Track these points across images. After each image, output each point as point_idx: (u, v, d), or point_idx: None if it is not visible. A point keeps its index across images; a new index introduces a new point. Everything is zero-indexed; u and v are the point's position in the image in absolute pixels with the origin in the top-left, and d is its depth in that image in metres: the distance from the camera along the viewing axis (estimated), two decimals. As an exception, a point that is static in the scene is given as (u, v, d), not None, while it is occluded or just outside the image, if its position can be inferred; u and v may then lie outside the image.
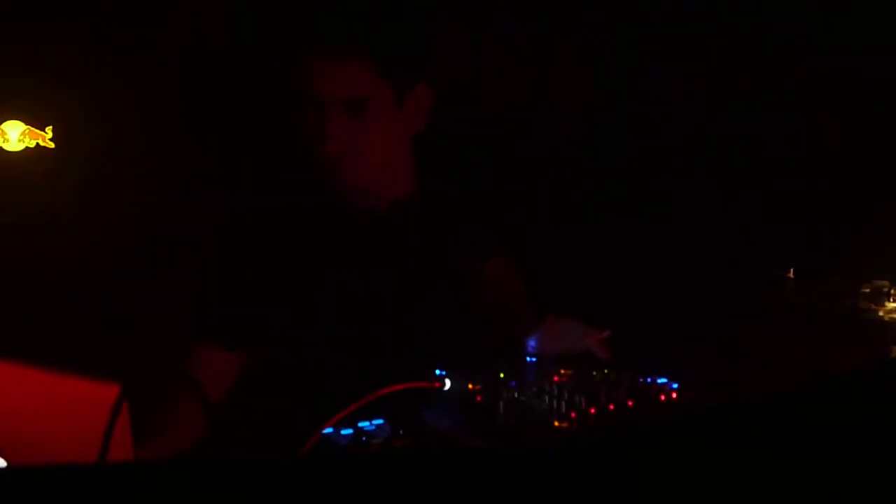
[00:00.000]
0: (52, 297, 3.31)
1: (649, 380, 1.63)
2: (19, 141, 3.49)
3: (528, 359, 1.72)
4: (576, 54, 3.72)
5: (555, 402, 1.53)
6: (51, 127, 3.51)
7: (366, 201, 1.99)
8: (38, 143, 3.50)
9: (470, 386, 1.58)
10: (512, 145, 3.53)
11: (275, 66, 2.04)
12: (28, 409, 1.21)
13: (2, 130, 3.49)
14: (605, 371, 1.67)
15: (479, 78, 3.57)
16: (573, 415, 1.49)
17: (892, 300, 2.28)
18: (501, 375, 1.61)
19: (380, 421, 1.58)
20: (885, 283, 2.31)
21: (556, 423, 1.47)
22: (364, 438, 1.54)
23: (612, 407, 1.51)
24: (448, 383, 1.56)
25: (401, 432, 1.56)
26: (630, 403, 1.53)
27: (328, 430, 1.52)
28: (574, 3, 3.70)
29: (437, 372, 1.61)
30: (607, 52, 3.71)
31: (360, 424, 1.56)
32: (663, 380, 1.63)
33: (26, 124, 3.50)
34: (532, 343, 1.76)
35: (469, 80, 3.50)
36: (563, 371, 1.64)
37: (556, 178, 3.51)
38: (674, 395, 1.56)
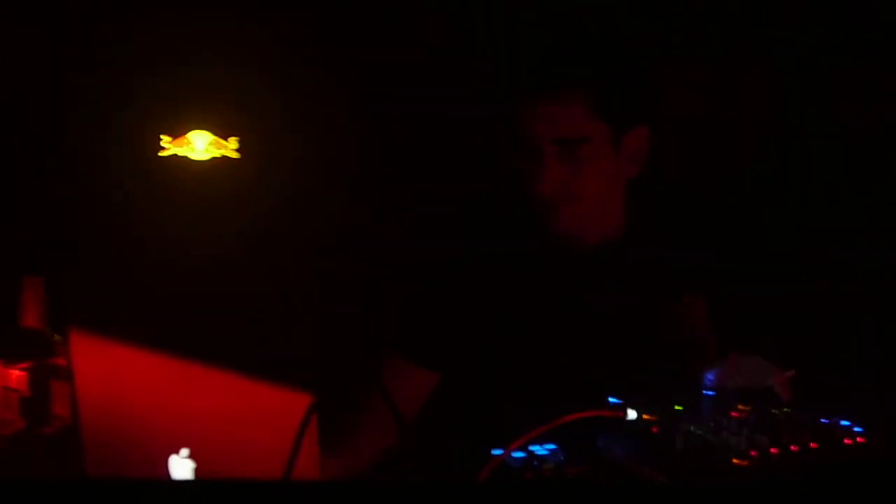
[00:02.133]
0: (242, 305, 3.40)
1: (832, 421, 1.58)
2: (205, 150, 3.60)
3: (705, 392, 1.69)
4: (771, 91, 3.65)
5: (733, 439, 1.49)
6: (236, 138, 3.61)
7: (573, 242, 1.98)
8: (223, 154, 3.60)
9: (645, 416, 1.55)
10: (711, 184, 3.48)
11: (493, 104, 2.05)
12: (220, 411, 1.25)
13: (188, 139, 3.60)
14: (786, 409, 1.62)
15: (688, 119, 3.52)
16: (753, 453, 1.45)
17: None
18: (678, 407, 1.58)
19: (552, 446, 1.57)
20: None
21: (736, 461, 1.43)
22: (536, 463, 1.53)
23: (794, 448, 1.47)
24: (631, 413, 1.54)
25: (574, 459, 1.55)
26: (813, 445, 1.48)
27: (498, 451, 1.51)
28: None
29: (611, 400, 1.59)
30: (801, 85, 3.63)
31: (532, 448, 1.55)
32: (846, 423, 1.57)
33: (213, 134, 3.61)
34: (711, 377, 1.72)
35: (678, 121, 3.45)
36: (741, 407, 1.60)
37: (748, 215, 3.44)
38: (859, 440, 1.51)
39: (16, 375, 1.58)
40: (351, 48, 3.59)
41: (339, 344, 2.97)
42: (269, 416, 1.19)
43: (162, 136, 3.59)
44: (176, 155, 3.60)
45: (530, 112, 1.87)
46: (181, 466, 1.29)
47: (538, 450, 1.56)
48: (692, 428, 1.52)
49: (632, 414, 1.54)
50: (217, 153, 3.60)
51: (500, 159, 1.96)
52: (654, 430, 1.53)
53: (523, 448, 1.54)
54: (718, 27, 3.62)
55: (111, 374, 1.39)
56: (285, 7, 3.58)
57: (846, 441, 1.51)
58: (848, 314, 3.10)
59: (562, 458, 1.55)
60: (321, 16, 3.60)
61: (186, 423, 1.29)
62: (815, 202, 3.47)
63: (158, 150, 3.59)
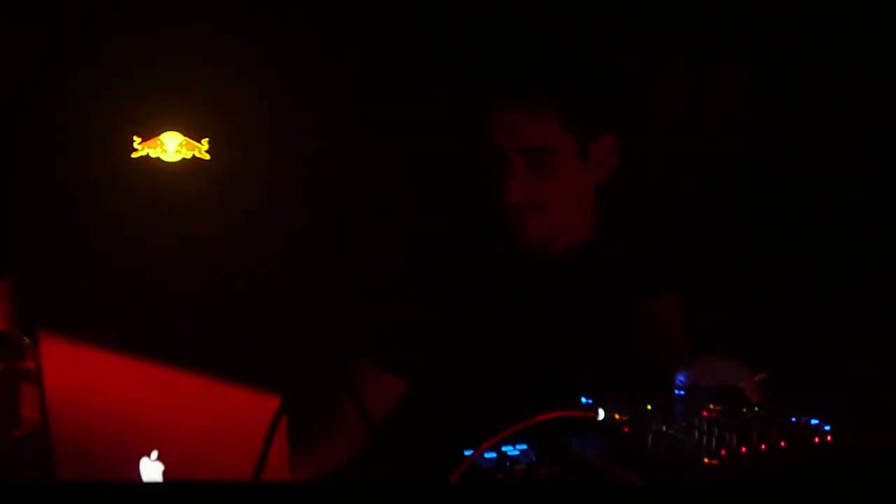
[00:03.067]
0: (212, 307, 3.38)
1: (801, 420, 1.59)
2: (176, 152, 3.59)
3: (676, 391, 1.69)
4: (749, 89, 3.66)
5: (704, 438, 1.50)
6: (207, 139, 3.60)
7: (542, 246, 1.97)
8: (194, 155, 3.59)
9: (617, 416, 1.56)
10: (684, 185, 3.49)
11: (459, 111, 2.04)
12: (189, 413, 1.24)
13: (160, 141, 3.59)
14: (756, 409, 1.63)
15: (654, 119, 3.53)
16: (723, 452, 1.45)
17: None
18: (649, 407, 1.59)
19: (524, 446, 1.57)
20: None
21: (706, 460, 1.44)
22: (507, 463, 1.53)
23: (763, 447, 1.48)
24: (602, 413, 1.55)
25: (546, 459, 1.55)
26: (783, 444, 1.49)
27: (469, 452, 1.51)
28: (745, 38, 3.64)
29: (583, 400, 1.59)
30: (779, 84, 3.64)
31: (504, 449, 1.55)
32: (815, 421, 1.58)
33: (183, 136, 3.59)
34: (682, 377, 1.73)
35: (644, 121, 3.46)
36: (712, 406, 1.61)
37: (722, 215, 3.45)
38: (828, 439, 1.52)
39: (-16, 379, 1.57)
40: (323, 50, 3.59)
41: (308, 347, 2.96)
42: (238, 418, 1.18)
43: (134, 138, 3.57)
44: (148, 156, 3.58)
45: (498, 120, 1.86)
46: (151, 469, 1.29)
47: (509, 450, 1.56)
48: (664, 427, 1.53)
49: (602, 414, 1.55)
50: (188, 154, 3.59)
51: (469, 166, 1.95)
52: (626, 429, 1.53)
53: (495, 448, 1.54)
54: (698, 27, 3.63)
55: (81, 376, 1.38)
56: (259, 8, 3.57)
57: (815, 440, 1.52)
58: (818, 313, 3.12)
59: (533, 458, 1.55)
60: (295, 17, 3.59)
61: (156, 426, 1.29)
62: (789, 201, 3.49)
63: (130, 152, 3.57)
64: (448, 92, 3.05)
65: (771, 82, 3.65)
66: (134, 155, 3.57)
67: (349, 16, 3.58)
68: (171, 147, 3.59)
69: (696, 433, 1.51)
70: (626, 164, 1.98)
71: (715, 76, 3.68)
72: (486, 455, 1.53)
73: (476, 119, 1.89)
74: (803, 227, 3.41)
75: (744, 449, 1.46)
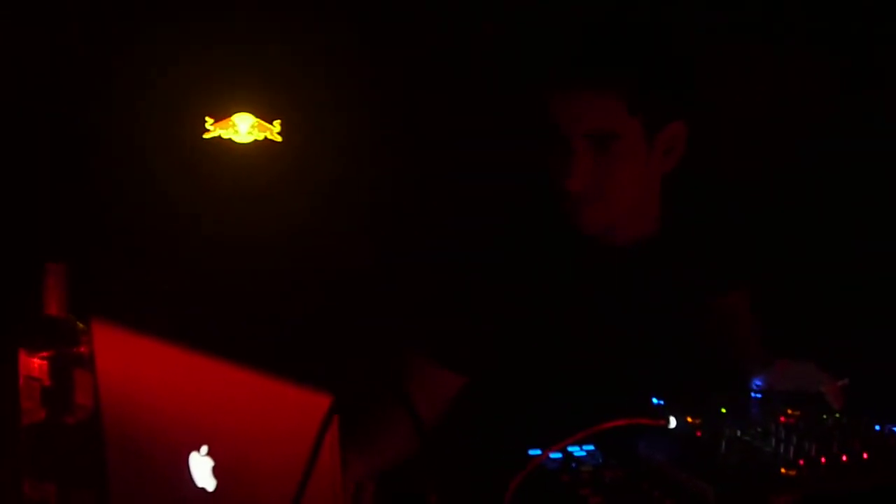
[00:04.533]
0: (272, 298, 3.37)
1: (885, 428, 1.51)
2: (248, 133, 3.57)
3: (752, 395, 1.62)
4: (824, 80, 3.56)
5: (781, 446, 1.43)
6: (279, 121, 3.58)
7: (605, 238, 1.90)
8: (266, 137, 3.57)
9: (689, 419, 1.49)
10: (759, 179, 3.39)
11: (524, 94, 1.97)
12: (240, 410, 1.20)
13: (232, 122, 3.57)
14: (837, 415, 1.56)
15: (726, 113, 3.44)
16: (801, 462, 1.39)
17: None
18: (723, 410, 1.52)
19: (591, 447, 1.51)
20: None
21: (783, 470, 1.37)
22: (574, 465, 1.48)
23: (845, 458, 1.40)
24: (673, 422, 1.48)
25: (612, 461, 1.49)
26: (865, 455, 1.41)
27: (536, 451, 1.46)
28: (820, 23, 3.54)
29: (655, 401, 1.53)
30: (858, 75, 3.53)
31: (570, 449, 1.50)
32: (900, 429, 1.51)
33: (256, 117, 3.58)
34: (759, 380, 1.65)
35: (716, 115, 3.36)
36: (790, 411, 1.54)
37: (805, 213, 3.35)
38: (915, 450, 1.44)
39: (37, 364, 1.55)
40: (395, 34, 3.55)
41: (364, 345, 2.92)
42: (289, 416, 1.14)
43: (206, 118, 3.56)
44: (220, 137, 3.57)
45: (562, 104, 1.78)
46: (200, 464, 1.25)
47: (576, 451, 1.51)
48: (738, 433, 1.47)
49: (673, 421, 1.48)
50: (260, 136, 3.57)
51: (532, 153, 1.88)
52: (698, 433, 1.47)
53: (561, 448, 1.49)
54: (773, 18, 3.54)
55: (133, 366, 1.35)
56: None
57: (901, 451, 1.45)
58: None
59: (600, 460, 1.50)
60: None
61: (206, 420, 1.25)
62: (873, 199, 3.38)
63: (202, 132, 3.56)
64: (513, 74, 3.00)
65: (851, 69, 3.54)
66: (206, 136, 3.56)
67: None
68: (244, 128, 3.58)
69: (773, 440, 1.45)
70: (694, 153, 1.89)
71: (790, 62, 3.58)
72: (552, 455, 1.48)
73: (538, 102, 1.82)
74: (891, 222, 3.30)
75: (823, 459, 1.39)
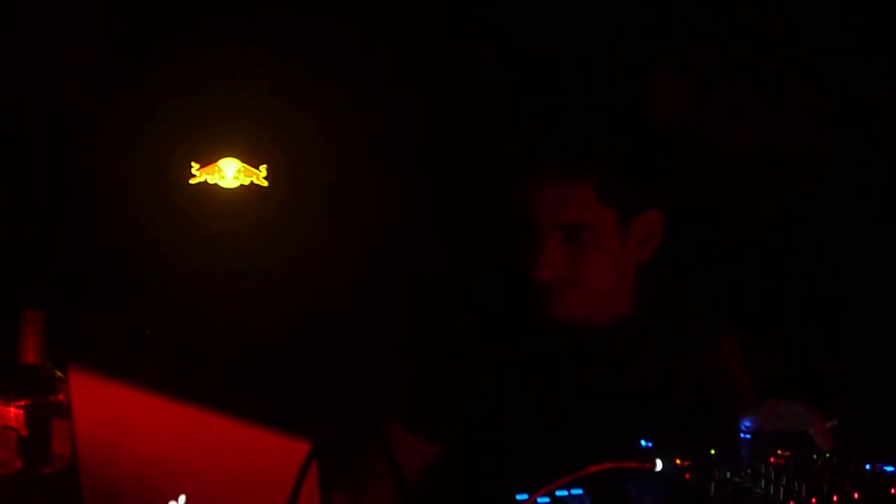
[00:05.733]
0: (254, 344, 3.35)
1: (875, 468, 1.49)
2: (234, 178, 3.56)
3: (742, 436, 1.60)
4: (815, 123, 3.57)
5: (771, 487, 1.41)
6: (265, 165, 3.57)
7: (580, 323, 1.86)
8: (252, 181, 3.56)
9: (678, 461, 1.47)
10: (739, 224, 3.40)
11: (497, 183, 1.95)
12: (218, 458, 1.18)
13: (218, 167, 3.57)
14: (827, 455, 1.54)
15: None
16: (791, 503, 1.36)
17: None
18: (713, 452, 1.50)
19: (578, 491, 1.49)
20: None
21: (773, 512, 1.35)
22: (561, 509, 1.46)
23: (835, 498, 1.38)
24: (659, 464, 1.46)
25: (600, 505, 1.47)
26: (856, 496, 1.39)
27: (523, 496, 1.44)
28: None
29: (643, 443, 1.51)
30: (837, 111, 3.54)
31: (558, 494, 1.48)
32: (891, 468, 1.49)
33: (242, 162, 3.57)
34: (748, 422, 1.63)
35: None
36: (780, 452, 1.52)
37: (786, 255, 3.35)
38: (906, 490, 1.42)
39: (13, 413, 1.53)
40: (381, 81, 3.56)
41: (343, 396, 2.90)
42: (267, 463, 1.12)
43: (192, 163, 3.56)
44: (206, 182, 3.56)
45: (534, 194, 1.75)
46: (179, 514, 1.23)
47: (564, 495, 1.48)
48: (728, 475, 1.44)
49: (660, 464, 1.46)
50: (246, 181, 3.56)
51: (505, 238, 1.85)
52: (687, 476, 1.45)
53: (549, 493, 1.46)
54: (765, 52, 3.56)
55: (111, 414, 1.33)
56: (316, 35, 3.55)
57: (892, 490, 1.43)
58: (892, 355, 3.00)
59: (588, 503, 1.47)
60: (353, 45, 3.57)
61: (184, 469, 1.23)
62: (860, 238, 3.38)
63: (188, 177, 3.55)
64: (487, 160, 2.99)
65: (842, 111, 3.56)
66: (192, 181, 3.55)
67: (405, 44, 3.56)
68: (230, 173, 3.57)
69: (763, 482, 1.43)
70: (671, 235, 1.86)
71: (781, 103, 3.60)
72: (539, 500, 1.45)
73: (512, 191, 1.79)
74: (877, 264, 3.30)
75: (814, 500, 1.37)
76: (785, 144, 3.57)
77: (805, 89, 3.59)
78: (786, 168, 3.54)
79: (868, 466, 1.50)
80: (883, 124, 3.53)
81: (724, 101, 3.61)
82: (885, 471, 1.48)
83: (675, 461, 1.47)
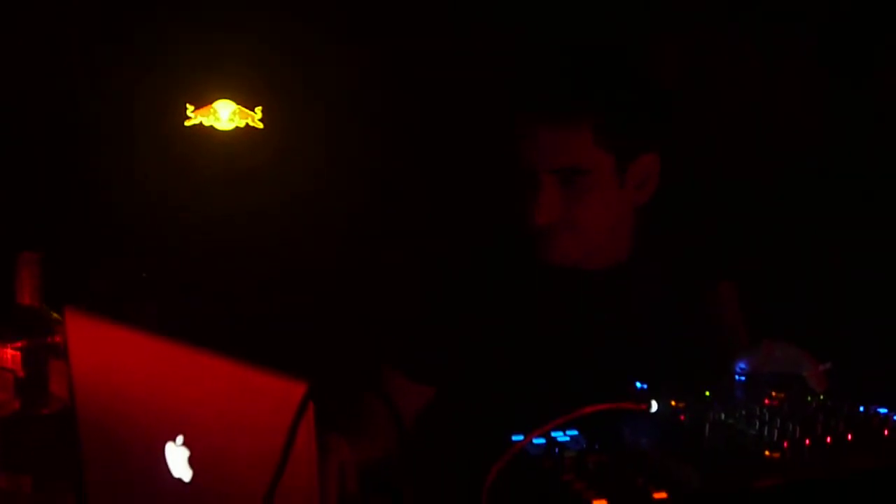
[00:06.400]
0: (250, 287, 3.35)
1: (869, 410, 1.50)
2: (229, 120, 3.54)
3: (736, 377, 1.61)
4: (803, 69, 3.55)
5: (765, 429, 1.41)
6: (260, 108, 3.55)
7: (577, 267, 1.86)
8: (247, 123, 3.54)
9: (673, 403, 1.48)
10: (740, 166, 3.39)
11: (494, 128, 1.93)
12: (215, 398, 1.19)
13: (213, 109, 3.55)
14: (821, 397, 1.54)
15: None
16: (785, 444, 1.37)
17: None
18: (707, 394, 1.51)
19: (574, 432, 1.50)
20: None
21: (767, 453, 1.35)
22: (556, 450, 1.46)
23: (829, 440, 1.39)
24: (654, 405, 1.46)
25: (596, 446, 1.47)
26: (850, 437, 1.40)
27: (518, 437, 1.44)
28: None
29: (638, 385, 1.51)
30: (837, 61, 3.53)
31: (554, 435, 1.48)
32: (884, 410, 1.49)
33: (237, 104, 3.55)
34: (743, 363, 1.64)
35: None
36: (774, 394, 1.53)
37: (786, 199, 3.35)
38: (900, 431, 1.42)
39: (10, 354, 1.53)
40: (376, 23, 3.53)
41: (341, 336, 2.91)
42: (264, 404, 1.13)
43: (187, 105, 3.54)
44: (201, 124, 3.55)
45: (529, 138, 1.74)
46: (176, 454, 1.24)
47: (559, 436, 1.49)
48: (722, 416, 1.45)
49: (654, 406, 1.47)
50: (241, 123, 3.54)
51: (501, 184, 1.85)
52: (682, 417, 1.46)
53: (544, 434, 1.47)
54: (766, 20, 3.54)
55: (108, 355, 1.34)
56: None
57: (885, 431, 1.43)
58: (888, 298, 3.01)
59: (584, 445, 1.48)
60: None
61: (181, 410, 1.24)
62: (856, 186, 3.37)
63: (183, 120, 3.53)
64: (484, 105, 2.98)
65: (843, 75, 3.54)
66: (187, 123, 3.54)
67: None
68: (225, 115, 3.55)
69: (757, 423, 1.43)
70: (669, 178, 1.85)
71: (781, 63, 3.58)
72: (535, 441, 1.46)
73: (508, 136, 1.78)
74: (872, 212, 3.30)
75: (807, 441, 1.38)
76: (782, 95, 3.56)
77: (804, 42, 3.57)
78: (782, 116, 3.53)
79: (861, 408, 1.50)
80: (881, 76, 3.52)
81: (722, 54, 3.59)
82: (879, 413, 1.49)
83: (670, 403, 1.48)
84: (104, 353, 1.34)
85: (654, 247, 1.92)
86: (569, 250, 1.80)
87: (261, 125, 3.55)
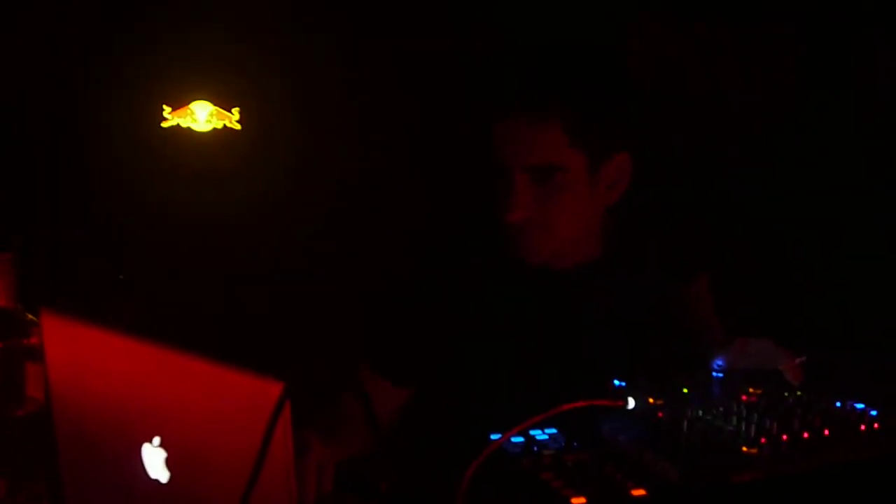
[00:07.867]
0: (226, 287, 3.35)
1: (846, 405, 1.50)
2: (207, 121, 3.53)
3: (714, 374, 1.61)
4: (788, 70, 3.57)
5: (743, 424, 1.42)
6: (237, 108, 3.54)
7: (549, 266, 1.87)
8: (224, 125, 3.53)
9: (651, 400, 1.48)
10: (713, 162, 3.40)
11: (470, 126, 1.93)
12: (192, 399, 1.19)
13: (190, 110, 3.54)
14: (798, 393, 1.55)
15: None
16: (763, 440, 1.37)
17: None
18: (685, 391, 1.51)
19: (553, 430, 1.50)
20: None
21: (745, 449, 1.36)
22: (535, 448, 1.46)
23: (806, 435, 1.39)
24: (631, 402, 1.47)
25: (574, 444, 1.47)
26: (826, 432, 1.40)
27: (496, 436, 1.44)
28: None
29: (616, 383, 1.51)
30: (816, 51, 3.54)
31: (532, 433, 1.49)
32: (861, 405, 1.50)
33: (214, 105, 3.54)
34: (720, 360, 1.64)
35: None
36: (751, 390, 1.53)
37: (760, 195, 3.36)
38: (875, 426, 1.43)
39: (-15, 356, 1.52)
40: (352, 22, 3.53)
41: (318, 336, 2.91)
42: (241, 404, 1.12)
43: (164, 107, 3.52)
44: (178, 126, 3.53)
45: (503, 137, 1.75)
46: (153, 455, 1.23)
47: (538, 434, 1.49)
48: (700, 413, 1.45)
49: (632, 402, 1.47)
50: (219, 124, 3.53)
51: (475, 180, 1.85)
52: (660, 414, 1.46)
53: (523, 433, 1.47)
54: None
55: (84, 357, 1.33)
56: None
57: (861, 427, 1.44)
58: (862, 291, 3.03)
59: (562, 443, 1.48)
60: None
61: (158, 411, 1.23)
62: (827, 180, 3.39)
63: (160, 121, 3.52)
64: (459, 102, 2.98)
65: (818, 59, 3.56)
66: (164, 124, 3.53)
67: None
68: (202, 116, 3.54)
69: (734, 419, 1.44)
70: (642, 176, 1.85)
71: (757, 48, 3.59)
72: (514, 440, 1.46)
73: (483, 134, 1.78)
74: (849, 206, 3.32)
75: (785, 437, 1.38)
76: (757, 89, 3.57)
77: (780, 34, 3.58)
78: (757, 112, 3.55)
79: (838, 404, 1.51)
80: (859, 71, 3.53)
81: (697, 46, 3.60)
82: (856, 408, 1.49)
83: (647, 400, 1.48)
84: (80, 355, 1.33)
85: (627, 244, 1.92)
86: (540, 248, 1.81)
87: (238, 126, 3.54)
